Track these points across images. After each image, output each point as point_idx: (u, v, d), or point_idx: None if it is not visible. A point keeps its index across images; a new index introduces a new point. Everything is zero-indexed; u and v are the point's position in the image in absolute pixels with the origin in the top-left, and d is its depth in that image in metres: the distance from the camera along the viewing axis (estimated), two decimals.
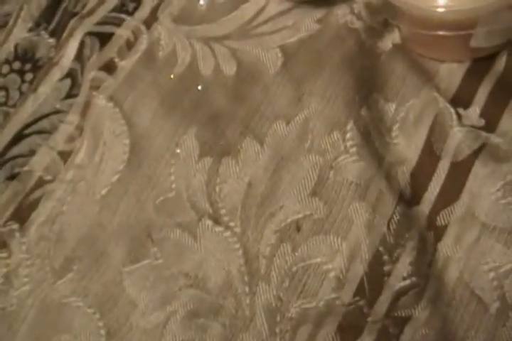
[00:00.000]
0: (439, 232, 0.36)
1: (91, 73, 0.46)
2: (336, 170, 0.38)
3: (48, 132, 0.45)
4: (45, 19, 0.50)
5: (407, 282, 0.35)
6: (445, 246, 0.36)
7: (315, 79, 0.42)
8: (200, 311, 0.37)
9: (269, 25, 0.45)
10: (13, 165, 0.45)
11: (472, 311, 0.34)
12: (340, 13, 0.44)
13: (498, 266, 0.35)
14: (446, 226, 0.36)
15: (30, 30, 0.51)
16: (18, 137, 0.46)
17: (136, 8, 0.48)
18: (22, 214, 0.43)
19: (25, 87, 0.49)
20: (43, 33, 0.50)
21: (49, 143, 0.45)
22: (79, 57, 0.47)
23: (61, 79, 0.47)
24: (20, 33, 0.51)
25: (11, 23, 0.52)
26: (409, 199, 0.37)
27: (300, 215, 0.38)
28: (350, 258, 0.36)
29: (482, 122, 0.38)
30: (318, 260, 0.36)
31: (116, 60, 0.46)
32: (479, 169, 0.37)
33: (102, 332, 0.38)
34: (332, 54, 0.42)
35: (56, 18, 0.50)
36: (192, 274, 0.38)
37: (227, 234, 0.38)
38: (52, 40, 0.50)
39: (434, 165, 0.38)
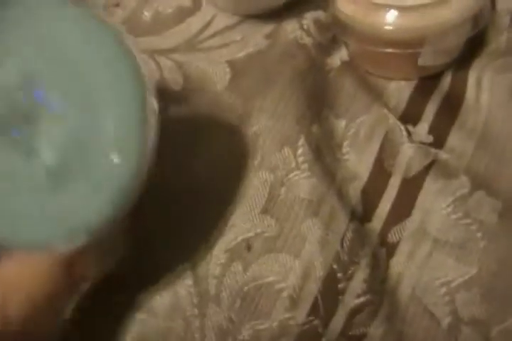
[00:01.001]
0: (392, 249, 0.36)
1: None
2: (288, 187, 0.38)
3: None
4: None
5: (362, 299, 0.35)
6: (397, 263, 0.36)
7: (264, 95, 0.41)
8: (146, 336, 0.35)
9: (217, 40, 0.44)
10: None
11: (425, 327, 0.34)
12: (290, 29, 0.43)
13: (450, 280, 0.35)
14: (398, 243, 0.36)
15: None
16: None
17: None
18: None
19: None
20: None
21: None
22: None
23: None
24: None
25: None
26: (361, 215, 0.37)
27: (251, 234, 0.36)
28: (304, 277, 0.35)
29: (431, 139, 0.39)
30: (271, 279, 0.35)
31: None
32: (430, 185, 0.37)
33: None
34: (282, 70, 0.42)
35: None
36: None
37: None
38: None
39: (385, 181, 0.38)
